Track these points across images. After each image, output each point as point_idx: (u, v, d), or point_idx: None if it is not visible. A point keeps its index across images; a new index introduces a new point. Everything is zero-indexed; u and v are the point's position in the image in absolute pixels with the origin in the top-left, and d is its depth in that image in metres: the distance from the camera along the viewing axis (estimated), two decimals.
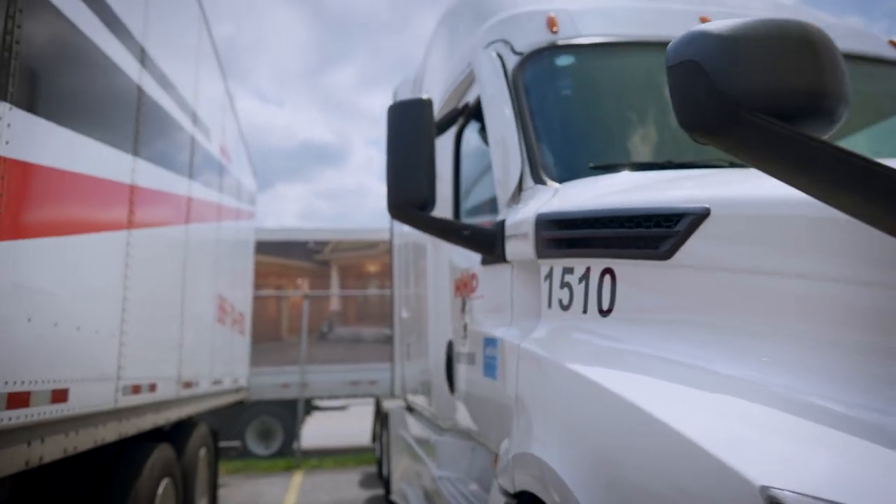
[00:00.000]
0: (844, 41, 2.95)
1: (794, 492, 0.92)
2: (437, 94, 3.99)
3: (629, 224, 1.69)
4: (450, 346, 3.38)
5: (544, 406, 1.78)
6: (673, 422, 1.15)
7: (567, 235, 1.96)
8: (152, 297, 3.72)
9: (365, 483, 8.27)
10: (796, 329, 1.24)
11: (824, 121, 0.97)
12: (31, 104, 2.14)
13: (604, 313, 1.77)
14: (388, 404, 7.08)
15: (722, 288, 1.41)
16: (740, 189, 1.55)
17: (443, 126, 3.45)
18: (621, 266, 1.72)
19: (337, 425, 12.89)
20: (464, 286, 3.12)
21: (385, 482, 6.93)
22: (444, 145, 3.56)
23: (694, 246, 1.48)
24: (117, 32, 2.97)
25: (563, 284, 1.98)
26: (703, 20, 2.88)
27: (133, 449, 3.68)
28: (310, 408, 11.71)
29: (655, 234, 1.58)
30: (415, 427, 5.00)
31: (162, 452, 3.95)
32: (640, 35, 2.79)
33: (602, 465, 1.35)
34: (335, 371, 11.55)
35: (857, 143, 2.81)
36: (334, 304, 12.65)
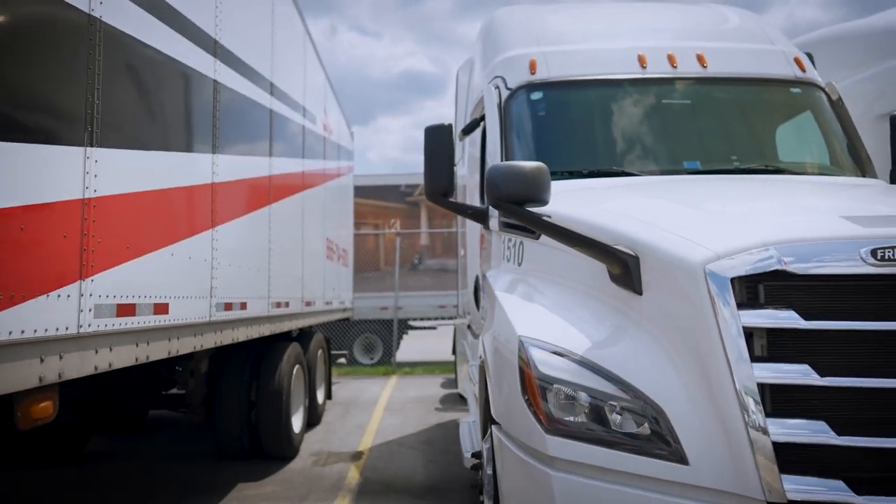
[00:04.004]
0: (742, 64, 4.15)
1: (531, 336, 2.50)
2: (475, 93, 5.46)
3: None
4: (476, 279, 5.04)
5: (489, 310, 3.41)
6: (509, 313, 2.75)
7: (507, 220, 3.52)
8: (284, 246, 5.63)
9: (445, 385, 10.31)
10: (570, 278, 2.80)
11: (539, 203, 2.50)
12: (225, 148, 3.94)
13: (519, 265, 3.35)
14: (456, 322, 8.93)
15: (551, 256, 2.97)
16: (569, 200, 3.05)
17: (471, 127, 4.98)
18: (525, 241, 3.29)
19: (427, 342, 15.07)
20: (481, 239, 4.74)
21: (455, 382, 8.88)
22: (474, 139, 5.10)
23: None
24: (260, 84, 4.72)
25: (508, 247, 3.57)
26: (640, 57, 4.20)
27: (277, 343, 5.70)
28: (405, 327, 13.93)
29: None
30: (470, 339, 6.76)
31: (294, 348, 5.96)
32: (590, 73, 4.11)
33: (492, 335, 2.98)
34: (425, 296, 13.70)
35: (745, 154, 3.96)
36: (424, 240, 14.60)
